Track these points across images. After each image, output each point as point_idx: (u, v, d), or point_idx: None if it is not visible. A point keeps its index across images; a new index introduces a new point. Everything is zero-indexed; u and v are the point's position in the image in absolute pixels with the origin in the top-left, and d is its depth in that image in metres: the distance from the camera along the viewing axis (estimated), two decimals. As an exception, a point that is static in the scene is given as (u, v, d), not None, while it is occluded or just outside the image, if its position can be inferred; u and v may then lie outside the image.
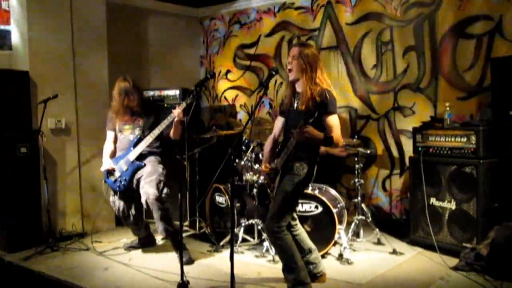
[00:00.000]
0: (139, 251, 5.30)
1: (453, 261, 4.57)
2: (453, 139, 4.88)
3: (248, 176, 5.20)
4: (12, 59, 5.76)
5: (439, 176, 4.94)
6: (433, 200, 4.99)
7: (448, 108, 5.05)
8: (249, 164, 5.20)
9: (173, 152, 5.51)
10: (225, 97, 7.94)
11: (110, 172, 5.06)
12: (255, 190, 5.17)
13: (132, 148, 4.97)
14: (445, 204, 4.90)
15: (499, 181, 4.73)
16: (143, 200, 4.81)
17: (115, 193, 5.10)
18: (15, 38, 5.76)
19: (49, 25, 5.77)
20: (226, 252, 5.02)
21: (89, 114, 6.14)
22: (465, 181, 4.75)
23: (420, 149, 5.09)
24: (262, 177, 4.92)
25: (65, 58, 5.91)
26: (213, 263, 4.88)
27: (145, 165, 4.94)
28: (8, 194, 5.35)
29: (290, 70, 3.88)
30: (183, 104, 4.61)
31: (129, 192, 5.04)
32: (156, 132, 4.84)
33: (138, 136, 5.00)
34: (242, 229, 5.24)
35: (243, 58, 7.70)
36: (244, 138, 5.43)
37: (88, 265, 4.89)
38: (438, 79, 5.73)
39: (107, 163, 5.07)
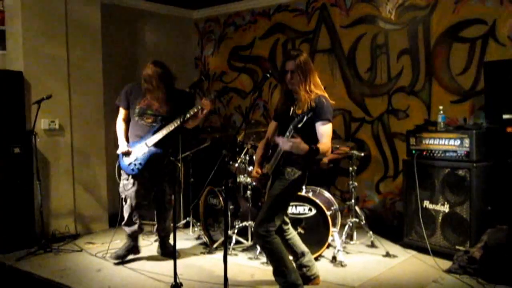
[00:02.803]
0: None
1: (447, 264, 4.59)
2: (446, 142, 4.89)
3: (242, 178, 5.21)
4: (6, 59, 5.74)
5: (433, 179, 4.96)
6: (426, 203, 5.00)
7: (441, 111, 5.07)
8: (243, 166, 5.20)
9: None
10: (219, 99, 7.94)
11: (125, 155, 4.89)
12: (249, 192, 5.18)
13: (151, 134, 4.83)
14: (438, 207, 4.92)
15: (492, 184, 4.75)
16: (160, 197, 4.92)
17: (128, 176, 4.93)
18: (10, 38, 5.74)
19: (44, 25, 5.75)
20: (220, 254, 5.00)
21: (83, 115, 6.12)
22: (458, 184, 4.76)
23: (413, 152, 5.10)
24: (254, 183, 4.91)
25: (59, 59, 5.89)
26: (207, 265, 4.87)
27: (162, 153, 4.82)
28: (0, 194, 5.32)
29: (291, 84, 3.83)
30: (211, 96, 4.60)
31: (144, 179, 4.93)
32: (179, 121, 4.64)
33: (160, 123, 4.84)
34: (235, 231, 5.24)
35: (238, 60, 7.71)
36: (238, 140, 5.43)
37: (81, 266, 4.87)
38: (432, 82, 5.76)
39: (123, 145, 4.91)
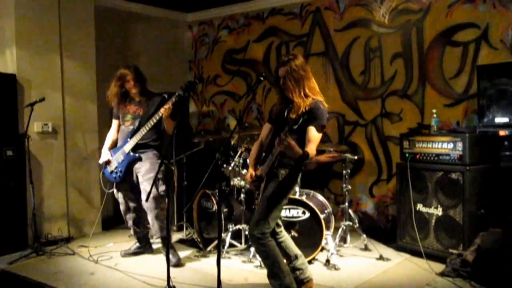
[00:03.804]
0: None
1: (440, 267, 4.59)
2: (439, 145, 4.90)
3: (236, 181, 5.20)
4: (-1, 62, 5.73)
5: (426, 182, 4.97)
6: (419, 206, 5.01)
7: (435, 115, 5.08)
8: (237, 169, 5.20)
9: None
10: (213, 102, 7.94)
11: (108, 163, 5.09)
12: (242, 195, 5.17)
13: (128, 139, 4.97)
14: (431, 210, 4.93)
15: (485, 188, 4.77)
16: (142, 197, 4.89)
17: (113, 184, 5.15)
18: (3, 40, 5.72)
19: (37, 28, 5.73)
20: (213, 257, 5.00)
21: (76, 117, 6.11)
22: (451, 187, 4.77)
23: (407, 155, 5.11)
24: (247, 185, 4.91)
25: (52, 61, 5.88)
26: (200, 268, 4.86)
27: (140, 157, 4.96)
28: (-7, 198, 5.30)
29: (284, 89, 3.85)
30: (172, 100, 4.68)
31: (128, 183, 5.09)
32: (149, 125, 4.83)
33: (135, 127, 4.97)
34: (229, 234, 5.23)
35: (231, 63, 7.70)
36: (232, 143, 5.42)
37: (74, 269, 4.85)
38: (425, 86, 5.78)
39: (104, 154, 5.11)
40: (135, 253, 5.28)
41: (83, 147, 6.19)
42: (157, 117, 4.79)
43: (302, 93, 3.77)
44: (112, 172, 5.06)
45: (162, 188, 4.95)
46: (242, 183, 5.13)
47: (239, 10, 7.48)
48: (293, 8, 6.89)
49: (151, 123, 4.82)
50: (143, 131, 4.87)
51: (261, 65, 7.29)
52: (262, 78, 3.88)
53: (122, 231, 6.23)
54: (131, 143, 4.94)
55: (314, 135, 3.71)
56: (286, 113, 3.88)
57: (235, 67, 7.66)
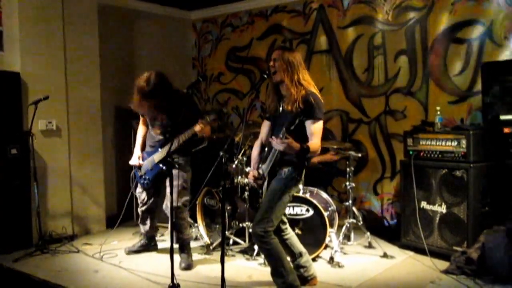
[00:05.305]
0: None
1: (444, 265, 4.59)
2: (443, 143, 4.89)
3: (239, 179, 5.20)
4: (3, 60, 5.71)
5: (430, 179, 4.96)
6: (424, 204, 5.01)
7: (439, 112, 5.07)
8: (241, 167, 5.20)
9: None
10: (217, 100, 7.94)
11: (139, 166, 5.07)
12: (246, 193, 5.17)
13: (159, 149, 4.91)
14: (435, 208, 4.92)
15: (490, 185, 4.76)
16: (164, 202, 4.90)
17: (140, 185, 5.16)
18: (7, 38, 5.72)
19: (41, 26, 5.73)
20: (217, 255, 4.99)
21: (81, 115, 6.11)
22: (455, 184, 4.76)
23: (411, 152, 5.10)
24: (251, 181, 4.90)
25: (56, 60, 5.87)
26: (204, 266, 4.86)
27: (166, 169, 4.76)
28: (-3, 196, 5.32)
29: (274, 73, 3.85)
30: (207, 119, 4.54)
31: (153, 188, 5.10)
32: (180, 140, 4.66)
33: (167, 136, 4.85)
34: (233, 232, 5.23)
35: (235, 61, 7.70)
36: (235, 141, 5.42)
37: (78, 267, 4.86)
38: (429, 83, 5.77)
39: (135, 157, 5.08)
40: (139, 250, 5.29)
41: (87, 144, 6.19)
42: (190, 133, 4.63)
43: (295, 79, 3.77)
44: (141, 177, 5.06)
45: (185, 198, 4.86)
46: (246, 180, 5.13)
47: (242, 7, 7.47)
48: (297, 5, 6.88)
49: (183, 138, 4.65)
50: (174, 144, 4.59)
51: (265, 63, 7.28)
52: (265, 76, 3.89)
53: (127, 228, 6.23)
54: (160, 155, 4.86)
55: (314, 129, 3.72)
56: (281, 107, 3.88)
57: (238, 64, 7.65)
